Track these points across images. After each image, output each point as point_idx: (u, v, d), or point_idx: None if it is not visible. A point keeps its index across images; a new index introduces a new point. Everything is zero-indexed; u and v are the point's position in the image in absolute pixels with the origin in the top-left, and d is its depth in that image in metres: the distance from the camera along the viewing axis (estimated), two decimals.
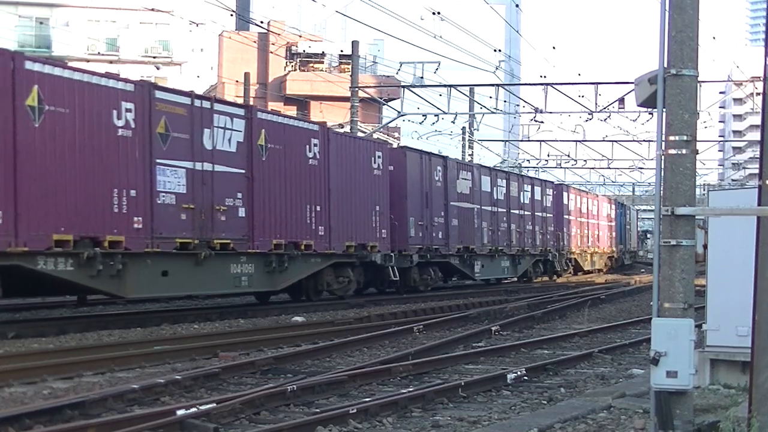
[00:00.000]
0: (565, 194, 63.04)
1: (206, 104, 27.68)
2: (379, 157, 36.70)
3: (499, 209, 49.45)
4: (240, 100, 61.13)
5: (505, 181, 51.24)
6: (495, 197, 48.88)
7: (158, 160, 25.39)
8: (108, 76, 24.75)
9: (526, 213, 53.75)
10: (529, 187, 55.38)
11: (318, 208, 32.32)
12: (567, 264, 62.60)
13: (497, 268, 49.23)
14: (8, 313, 27.59)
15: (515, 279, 53.10)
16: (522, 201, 53.23)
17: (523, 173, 70.96)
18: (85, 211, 23.09)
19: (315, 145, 32.36)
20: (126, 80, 25.40)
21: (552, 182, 65.46)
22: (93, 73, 24.39)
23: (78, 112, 23.02)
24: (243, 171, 28.72)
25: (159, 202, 25.38)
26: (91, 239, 23.27)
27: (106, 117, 23.89)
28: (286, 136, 30.95)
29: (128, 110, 24.51)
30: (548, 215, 58.16)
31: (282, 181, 30.57)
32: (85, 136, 23.22)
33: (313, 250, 31.99)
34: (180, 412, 12.09)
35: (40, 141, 21.96)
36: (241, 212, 28.60)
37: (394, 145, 49.19)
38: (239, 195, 28.50)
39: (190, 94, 27.52)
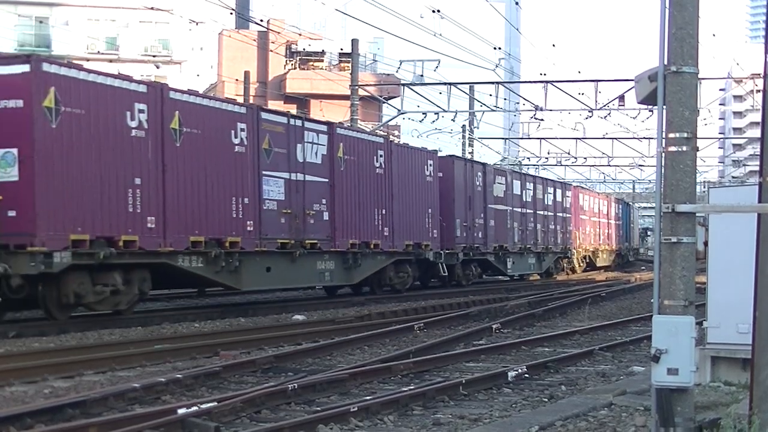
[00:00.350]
0: (581, 196, 68.50)
1: (298, 122, 32.50)
2: (430, 165, 41.48)
3: (528, 210, 54.48)
4: (240, 99, 61.17)
5: (532, 184, 56.38)
6: (524, 199, 53.85)
7: (264, 172, 30.04)
8: (227, 101, 31.49)
9: (549, 214, 58.74)
10: (552, 189, 60.38)
11: (383, 212, 37.10)
12: (582, 261, 67.09)
13: (525, 264, 54.15)
14: (10, 312, 27.62)
15: (539, 274, 56.94)
16: (546, 202, 58.31)
17: (535, 174, 72.24)
18: (213, 217, 27.78)
19: (381, 155, 37.22)
20: (239, 104, 31.75)
21: (570, 184, 71.01)
22: (215, 99, 30.86)
23: (206, 133, 27.55)
24: (327, 180, 33.43)
25: (265, 208, 30.05)
26: (216, 240, 27.80)
27: (227, 137, 28.50)
28: (359, 149, 35.67)
29: (242, 130, 29.04)
30: (567, 215, 63.14)
31: (356, 188, 35.28)
32: (212, 155, 27.74)
33: (380, 249, 36.65)
34: (181, 411, 12.09)
35: (180, 160, 26.49)
36: (325, 216, 33.25)
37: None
38: (324, 201, 33.17)
39: (286, 114, 32.69)
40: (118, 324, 24.33)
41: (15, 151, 22.26)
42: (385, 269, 37.67)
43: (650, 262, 74.93)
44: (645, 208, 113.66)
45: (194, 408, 12.27)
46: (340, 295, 36.68)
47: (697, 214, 9.12)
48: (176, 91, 27.09)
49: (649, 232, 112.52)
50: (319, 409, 13.07)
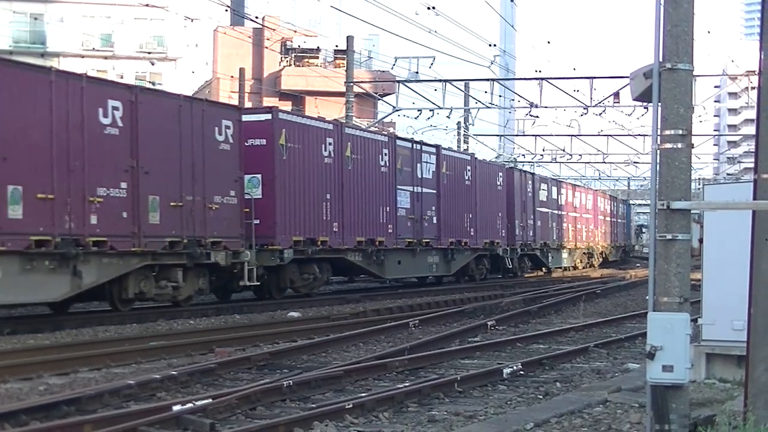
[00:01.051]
0: (600, 198, 77.69)
1: (418, 147, 41.34)
2: (500, 176, 50.52)
3: (561, 212, 63.07)
4: (235, 96, 61.18)
5: (565, 189, 65.36)
6: (559, 203, 62.17)
7: (398, 187, 38.77)
8: (376, 132, 41.94)
9: (577, 215, 68.10)
10: (578, 193, 70.19)
11: (470, 216, 45.68)
12: (600, 256, 74.41)
13: (560, 259, 62.24)
14: (4, 309, 27.59)
15: (571, 267, 64.94)
16: (575, 205, 67.55)
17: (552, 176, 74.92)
18: (369, 223, 36.52)
19: (468, 170, 45.78)
20: (382, 134, 42.52)
21: (591, 188, 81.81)
22: (367, 131, 40.55)
23: (366, 159, 36.35)
24: (434, 191, 41.96)
25: (398, 215, 38.66)
26: (370, 240, 36.39)
27: (376, 161, 37.22)
28: (455, 165, 44.27)
29: (385, 154, 37.94)
30: (589, 216, 72.22)
31: (454, 197, 43.72)
32: (369, 175, 36.66)
33: (468, 246, 45.13)
34: (176, 408, 12.09)
35: (352, 180, 35.27)
36: (434, 220, 41.83)
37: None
38: (433, 208, 41.80)
39: (411, 141, 42.19)
40: (113, 321, 24.36)
41: (259, 176, 30.69)
42: (469, 263, 46.03)
43: (645, 259, 75.23)
44: (640, 205, 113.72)
45: (189, 405, 12.28)
46: (443, 284, 45.14)
47: (692, 211, 9.12)
48: (350, 127, 38.61)
49: (643, 229, 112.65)
50: (314, 406, 13.08)
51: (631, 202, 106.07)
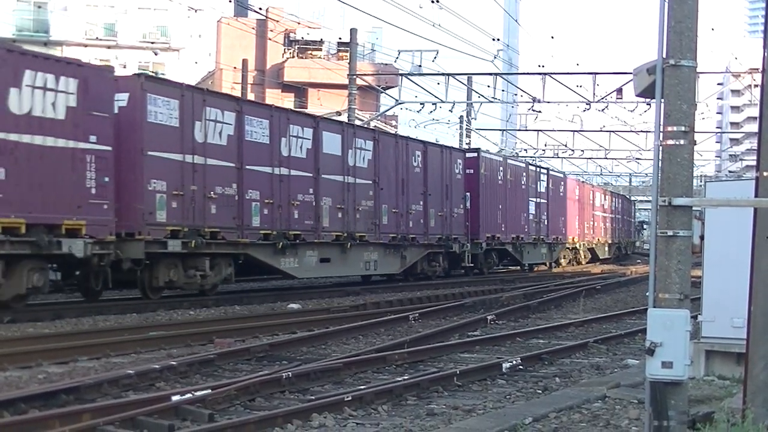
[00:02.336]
0: (615, 199, 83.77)
1: (499, 158, 53.04)
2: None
3: (595, 213, 70.10)
4: (237, 87, 61.13)
5: (600, 194, 73.37)
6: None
7: (530, 199, 54.12)
8: (521, 161, 57.19)
9: (603, 215, 74.97)
10: (601, 194, 75.99)
11: (501, 207, 49.64)
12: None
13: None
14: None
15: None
16: (604, 206, 74.60)
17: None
18: (514, 221, 50.79)
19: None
20: (525, 163, 56.67)
21: (610, 190, 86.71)
22: (509, 157, 54.95)
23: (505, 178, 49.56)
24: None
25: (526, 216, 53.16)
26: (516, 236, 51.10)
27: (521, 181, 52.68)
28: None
29: (525, 176, 53.27)
30: (609, 215, 77.81)
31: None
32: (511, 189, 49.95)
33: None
34: (175, 398, 12.09)
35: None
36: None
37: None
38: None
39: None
40: (113, 310, 24.38)
41: (468, 194, 45.29)
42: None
43: (645, 255, 75.28)
44: (641, 201, 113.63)
45: (188, 395, 12.28)
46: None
47: (693, 208, 9.11)
48: (485, 153, 50.83)
49: (644, 225, 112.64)
50: (313, 397, 13.08)
51: (633, 198, 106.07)
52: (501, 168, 50.62)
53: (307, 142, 33.47)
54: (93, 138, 24.35)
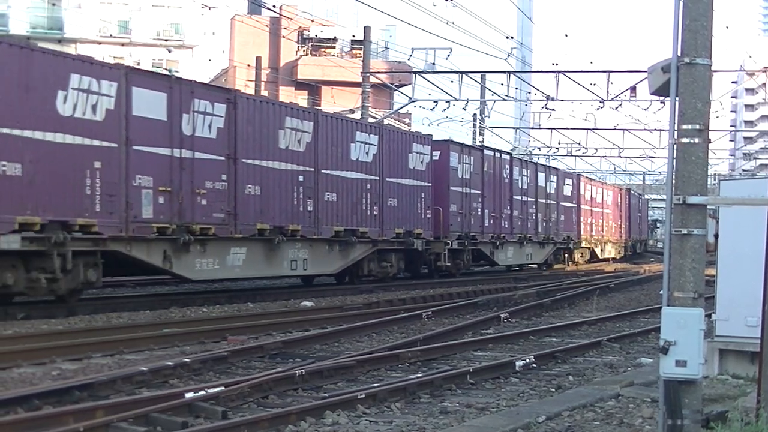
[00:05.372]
0: (624, 195, 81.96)
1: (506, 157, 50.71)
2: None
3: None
4: (251, 84, 61.14)
5: (605, 190, 72.99)
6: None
7: (515, 195, 50.61)
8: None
9: (608, 212, 73.87)
10: (606, 191, 74.99)
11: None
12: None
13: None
14: (22, 294, 27.70)
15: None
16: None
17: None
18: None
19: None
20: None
21: (619, 186, 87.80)
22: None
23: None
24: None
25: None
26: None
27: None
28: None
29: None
30: (615, 212, 76.73)
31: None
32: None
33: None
34: (188, 395, 12.12)
35: None
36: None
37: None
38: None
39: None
40: (127, 307, 24.40)
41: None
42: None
43: (659, 254, 75.16)
44: (655, 199, 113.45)
45: (201, 392, 12.30)
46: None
47: (707, 207, 9.09)
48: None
49: (658, 224, 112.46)
50: (326, 395, 13.09)
51: (647, 196, 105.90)
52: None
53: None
54: None
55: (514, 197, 50.16)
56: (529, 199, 53.04)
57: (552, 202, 57.43)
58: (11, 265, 21.88)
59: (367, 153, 35.62)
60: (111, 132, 24.20)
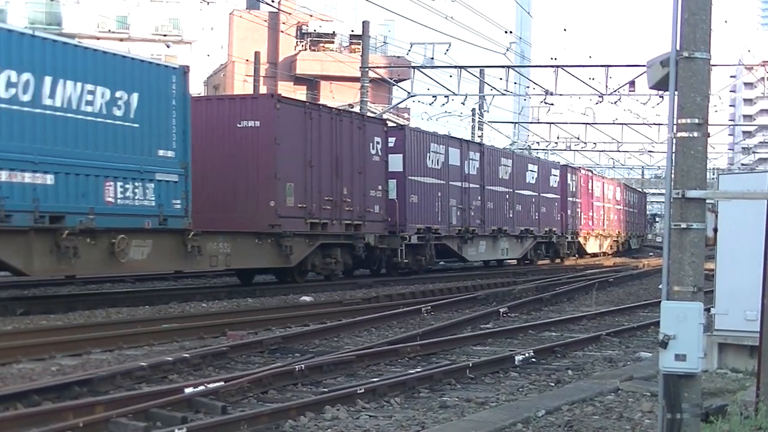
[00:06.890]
0: (619, 188, 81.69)
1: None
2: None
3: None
4: (250, 80, 61.13)
5: (631, 193, 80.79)
6: (628, 201, 66.65)
7: (488, 185, 47.77)
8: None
9: (601, 205, 72.74)
10: (632, 194, 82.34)
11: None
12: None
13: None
14: (17, 290, 27.71)
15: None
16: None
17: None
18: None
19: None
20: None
21: (636, 189, 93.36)
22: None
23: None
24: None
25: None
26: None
27: None
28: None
29: None
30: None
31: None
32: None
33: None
34: (188, 390, 12.12)
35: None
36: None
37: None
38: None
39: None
40: (126, 303, 24.42)
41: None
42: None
43: (657, 248, 75.24)
44: (653, 194, 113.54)
45: (201, 387, 12.31)
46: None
47: (707, 201, 9.09)
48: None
49: (657, 218, 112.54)
50: (326, 390, 13.10)
51: (645, 190, 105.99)
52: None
53: None
54: None
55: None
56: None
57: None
58: None
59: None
60: None
